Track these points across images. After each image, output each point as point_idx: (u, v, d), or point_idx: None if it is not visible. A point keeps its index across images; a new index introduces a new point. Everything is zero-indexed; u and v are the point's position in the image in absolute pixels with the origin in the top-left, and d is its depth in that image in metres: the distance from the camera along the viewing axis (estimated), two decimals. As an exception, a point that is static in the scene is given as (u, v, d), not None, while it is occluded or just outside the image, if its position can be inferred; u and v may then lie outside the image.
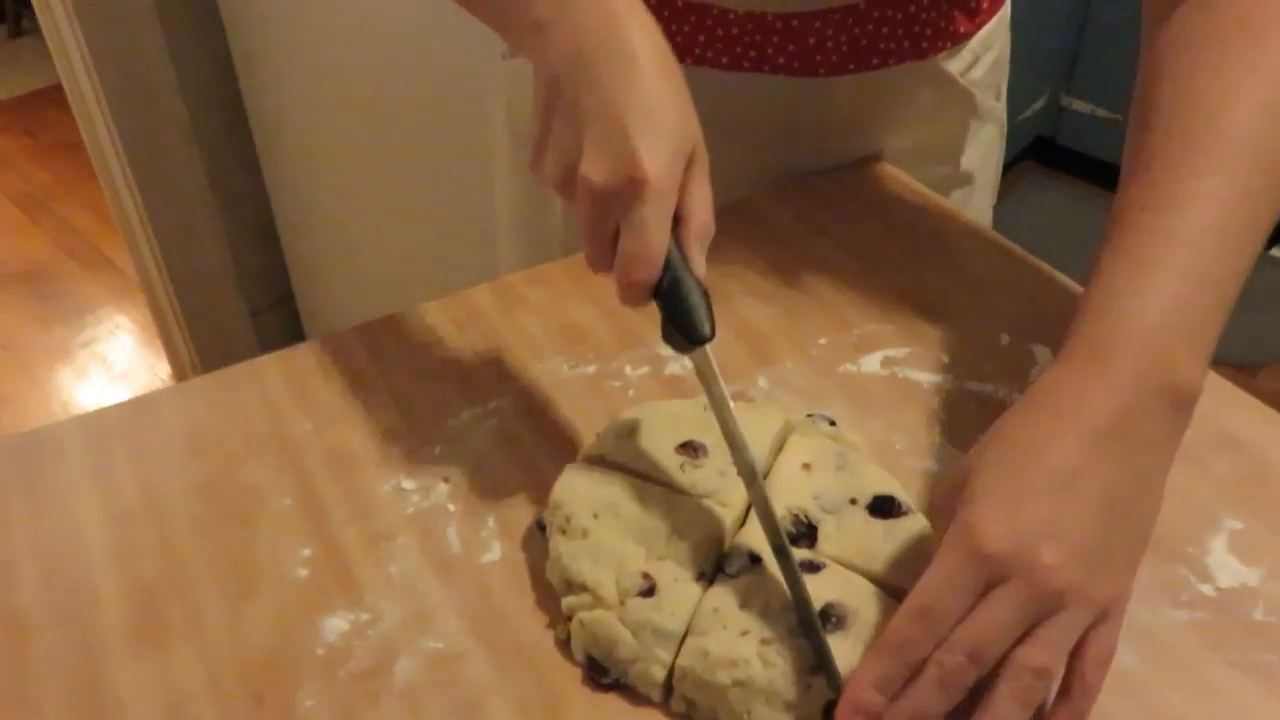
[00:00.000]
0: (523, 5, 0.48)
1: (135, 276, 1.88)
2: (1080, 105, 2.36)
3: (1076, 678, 0.40)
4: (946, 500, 0.43)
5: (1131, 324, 0.44)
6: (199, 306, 1.79)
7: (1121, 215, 0.47)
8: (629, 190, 0.44)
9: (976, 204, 0.80)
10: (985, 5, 0.73)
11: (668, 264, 0.45)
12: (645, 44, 0.45)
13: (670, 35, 0.67)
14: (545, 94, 0.47)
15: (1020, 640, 0.39)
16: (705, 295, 0.46)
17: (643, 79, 0.45)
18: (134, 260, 1.82)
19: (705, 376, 0.47)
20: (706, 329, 0.46)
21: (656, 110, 0.44)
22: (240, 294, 1.81)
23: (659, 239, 0.44)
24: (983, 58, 0.74)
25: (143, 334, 2.09)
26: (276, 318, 1.87)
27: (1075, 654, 0.40)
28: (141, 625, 0.46)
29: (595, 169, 0.44)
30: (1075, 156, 2.38)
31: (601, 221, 0.45)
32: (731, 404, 0.47)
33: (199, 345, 1.83)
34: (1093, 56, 2.29)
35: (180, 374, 1.96)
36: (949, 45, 0.71)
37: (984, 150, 0.78)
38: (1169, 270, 0.45)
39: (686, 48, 0.68)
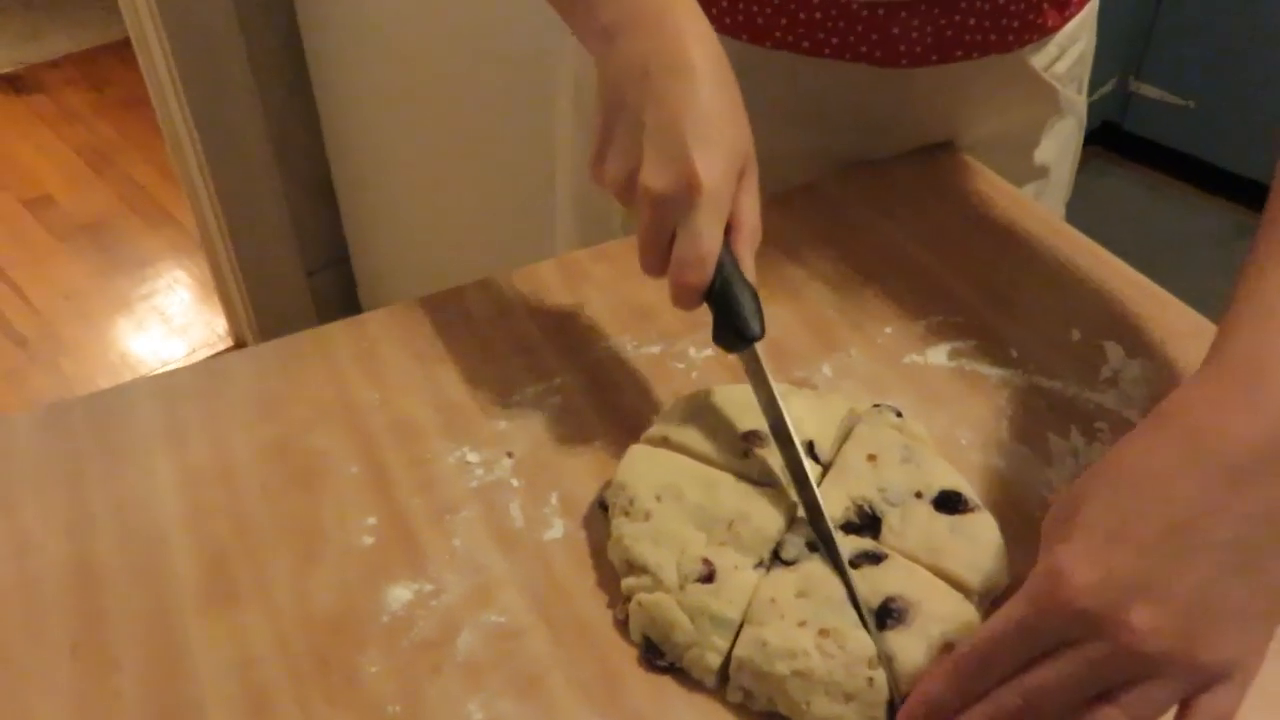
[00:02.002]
0: (589, 6, 0.51)
1: (195, 232, 1.91)
2: (1150, 90, 2.29)
3: None
4: (1051, 530, 0.40)
5: None
6: (257, 263, 1.82)
7: (1274, 211, 0.43)
8: (686, 198, 0.46)
9: (1050, 198, 0.78)
10: None
11: (720, 267, 0.47)
12: (705, 59, 0.48)
13: (751, 17, 0.67)
14: (608, 101, 0.49)
15: (1102, 696, 0.36)
16: (755, 296, 0.49)
17: (701, 94, 0.47)
18: (195, 216, 1.85)
19: (755, 375, 0.49)
20: (756, 327, 0.48)
21: (713, 124, 0.47)
22: (297, 253, 1.83)
23: (712, 244, 0.47)
24: (1068, 51, 0.72)
25: (200, 289, 2.12)
26: (332, 277, 1.89)
27: (1183, 716, 0.37)
28: (213, 584, 0.47)
29: (655, 177, 0.46)
30: (1143, 143, 2.32)
31: (659, 227, 0.47)
32: (781, 401, 0.48)
33: (255, 301, 1.85)
34: (1165, 40, 2.22)
35: (236, 329, 1.99)
36: (1035, 38, 0.69)
37: (1061, 143, 0.76)
38: None
39: (767, 30, 0.67)
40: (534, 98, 1.04)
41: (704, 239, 0.47)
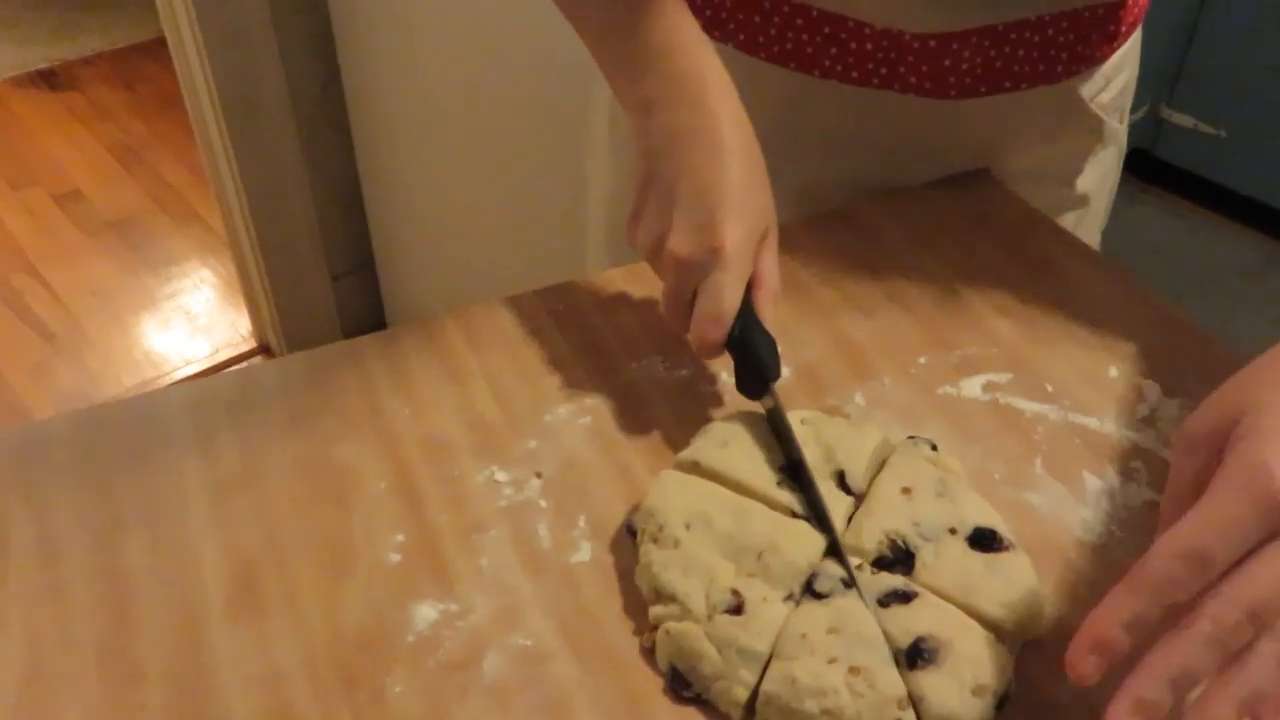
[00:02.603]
0: (632, 77, 0.55)
1: (223, 232, 1.93)
2: (1182, 119, 2.28)
3: None
4: (1210, 434, 0.39)
5: None
6: (282, 266, 1.83)
7: None
8: (708, 259, 0.51)
9: (1088, 227, 0.78)
10: (1124, 29, 0.70)
11: (739, 318, 0.52)
12: (735, 137, 0.53)
13: (800, 45, 0.67)
14: (643, 171, 0.54)
15: None
16: (773, 344, 0.53)
17: (729, 169, 0.52)
18: (223, 217, 1.86)
19: (776, 418, 0.51)
20: (773, 370, 0.52)
21: (738, 197, 0.51)
22: (323, 257, 1.84)
23: (731, 302, 0.51)
24: (1114, 81, 0.72)
25: (226, 289, 2.14)
26: (356, 283, 1.90)
27: None
28: (240, 596, 0.47)
29: (681, 243, 0.51)
30: (1173, 171, 2.30)
31: (683, 287, 0.52)
32: (803, 442, 0.50)
33: (279, 304, 1.87)
34: (1198, 69, 2.21)
35: (260, 331, 2.01)
36: (1083, 69, 0.69)
37: (1101, 173, 0.76)
38: None
39: (816, 59, 0.67)
40: (569, 112, 1.04)
41: (724, 297, 0.51)
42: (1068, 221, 0.76)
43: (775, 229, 0.54)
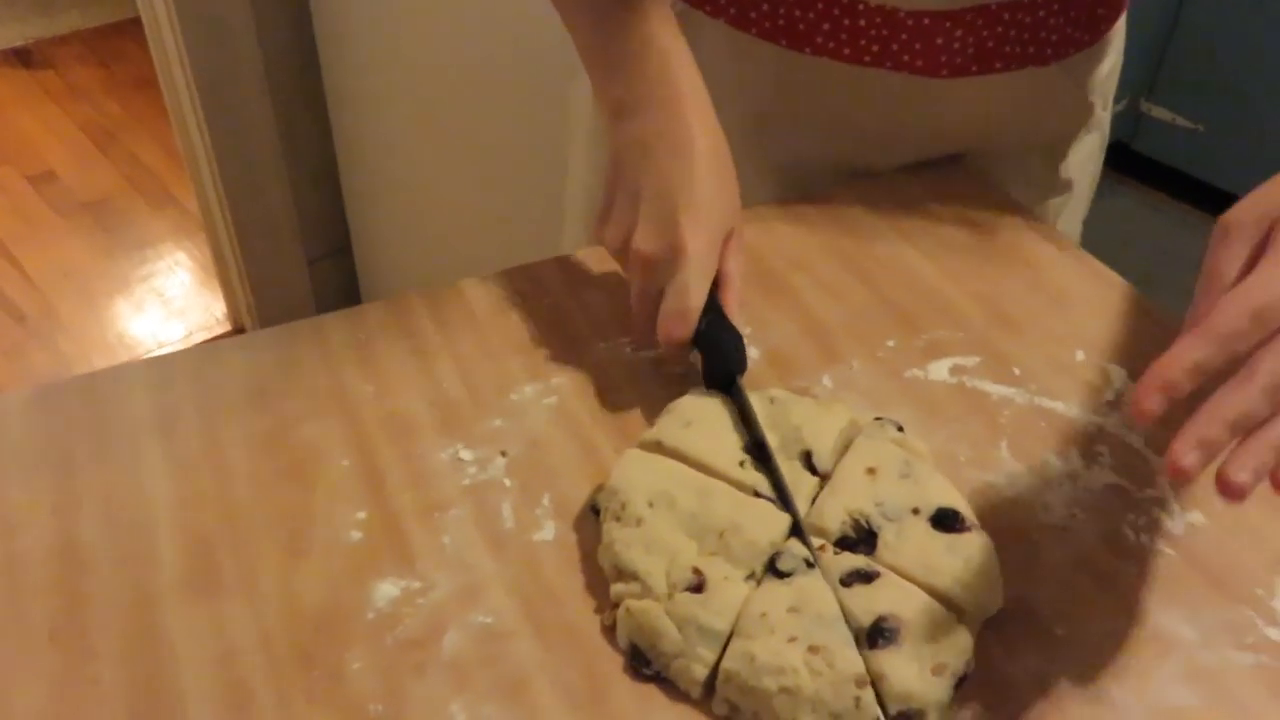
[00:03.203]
0: (609, 78, 0.56)
1: (198, 215, 1.91)
2: (1160, 113, 2.29)
3: None
4: (1255, 221, 0.41)
5: None
6: (258, 249, 1.81)
7: None
8: (672, 258, 0.52)
9: (1072, 213, 0.78)
10: (1112, 13, 0.70)
11: (707, 315, 0.53)
12: (703, 142, 0.54)
13: (793, 22, 0.67)
14: (612, 172, 0.56)
15: None
16: (740, 339, 0.54)
17: (696, 173, 0.53)
18: (198, 199, 1.84)
19: (743, 411, 0.51)
20: (736, 366, 0.53)
21: (702, 198, 0.53)
22: (299, 241, 1.83)
23: (696, 300, 0.52)
24: (1100, 65, 0.72)
25: (201, 272, 2.12)
26: (333, 267, 1.88)
27: None
28: (197, 574, 0.47)
29: (646, 241, 0.53)
30: (1151, 165, 2.32)
31: (650, 286, 0.53)
32: (768, 441, 0.50)
33: (255, 287, 1.85)
34: (1178, 62, 2.22)
35: (235, 314, 1.99)
36: (1072, 52, 0.69)
37: (1084, 158, 0.76)
38: None
39: (808, 36, 0.67)
40: (549, 96, 1.03)
41: (689, 294, 0.52)
42: (1053, 207, 0.77)
43: (742, 229, 0.55)
